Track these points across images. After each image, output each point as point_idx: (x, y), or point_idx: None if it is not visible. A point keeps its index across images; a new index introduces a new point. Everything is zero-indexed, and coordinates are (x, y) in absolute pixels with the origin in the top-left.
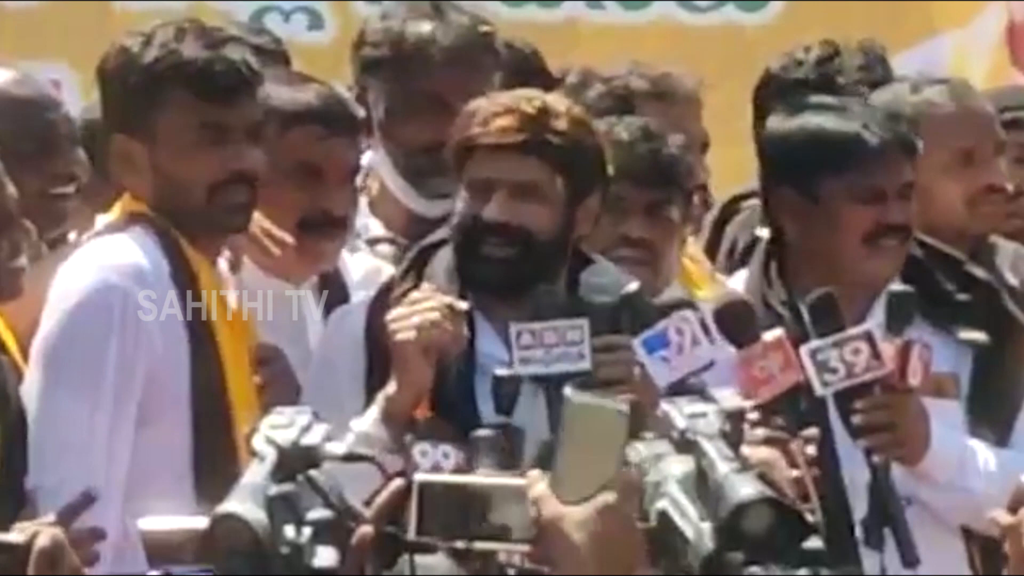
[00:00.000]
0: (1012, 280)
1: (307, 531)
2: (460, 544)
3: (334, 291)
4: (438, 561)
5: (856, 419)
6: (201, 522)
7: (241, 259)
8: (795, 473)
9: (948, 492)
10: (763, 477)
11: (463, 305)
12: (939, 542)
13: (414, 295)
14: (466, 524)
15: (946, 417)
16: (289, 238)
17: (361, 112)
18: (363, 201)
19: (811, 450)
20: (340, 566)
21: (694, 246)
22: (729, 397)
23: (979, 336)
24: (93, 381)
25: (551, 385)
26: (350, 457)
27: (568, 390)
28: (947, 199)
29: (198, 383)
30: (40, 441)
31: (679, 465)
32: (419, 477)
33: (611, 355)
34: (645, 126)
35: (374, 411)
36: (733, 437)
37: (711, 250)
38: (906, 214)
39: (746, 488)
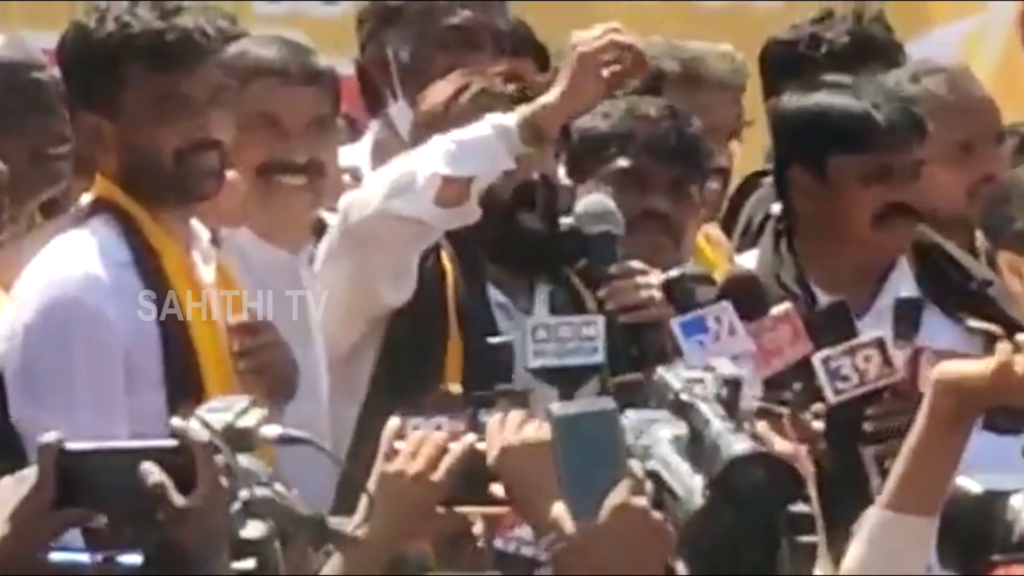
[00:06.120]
0: None
1: (236, 505)
2: None
3: None
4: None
5: (867, 426)
6: None
7: (232, 228)
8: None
9: None
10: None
11: None
12: None
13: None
14: None
15: None
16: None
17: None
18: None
19: (818, 424)
20: (267, 538)
21: (714, 228)
22: (727, 365)
23: (990, 326)
24: (64, 403)
25: (562, 380)
26: (284, 439)
27: (552, 405)
28: (947, 188)
29: (170, 364)
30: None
31: (669, 429)
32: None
33: (626, 281)
34: (670, 105)
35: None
36: (730, 404)
37: (727, 227)
38: (915, 193)
39: (740, 444)
